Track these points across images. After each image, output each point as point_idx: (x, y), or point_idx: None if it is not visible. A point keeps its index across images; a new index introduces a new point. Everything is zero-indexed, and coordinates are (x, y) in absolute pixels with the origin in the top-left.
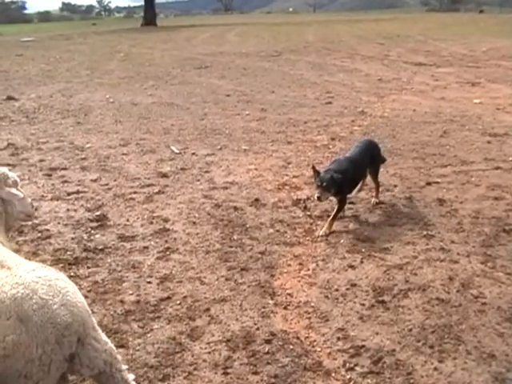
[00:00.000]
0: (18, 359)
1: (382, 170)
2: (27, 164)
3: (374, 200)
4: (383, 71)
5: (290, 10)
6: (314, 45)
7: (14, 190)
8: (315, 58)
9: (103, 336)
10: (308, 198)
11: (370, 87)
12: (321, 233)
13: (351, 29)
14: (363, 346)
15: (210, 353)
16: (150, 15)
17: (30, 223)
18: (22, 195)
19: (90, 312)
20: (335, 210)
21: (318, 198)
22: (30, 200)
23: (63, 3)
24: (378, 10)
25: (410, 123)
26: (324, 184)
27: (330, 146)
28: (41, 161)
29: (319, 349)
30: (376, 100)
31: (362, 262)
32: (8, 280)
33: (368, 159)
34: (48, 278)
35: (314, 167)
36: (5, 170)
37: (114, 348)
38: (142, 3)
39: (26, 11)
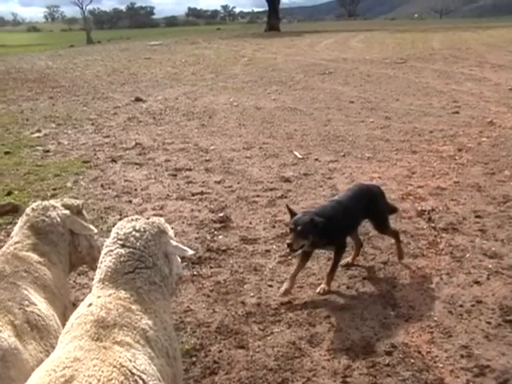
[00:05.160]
0: None
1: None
2: (153, 164)
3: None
4: None
5: (415, 16)
6: (440, 52)
7: (181, 245)
8: (442, 66)
9: None
10: (433, 210)
11: (500, 97)
12: (318, 290)
13: (480, 36)
14: (488, 366)
15: (329, 360)
16: (273, 20)
17: None
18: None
19: None
20: (332, 264)
21: (289, 245)
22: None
23: (189, 8)
24: (509, 16)
25: None
26: (298, 228)
27: (457, 157)
28: (166, 161)
29: (441, 365)
30: (506, 110)
31: (488, 279)
32: None
33: (362, 207)
34: None
35: (288, 207)
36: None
37: None
38: (266, 9)
39: (153, 16)
